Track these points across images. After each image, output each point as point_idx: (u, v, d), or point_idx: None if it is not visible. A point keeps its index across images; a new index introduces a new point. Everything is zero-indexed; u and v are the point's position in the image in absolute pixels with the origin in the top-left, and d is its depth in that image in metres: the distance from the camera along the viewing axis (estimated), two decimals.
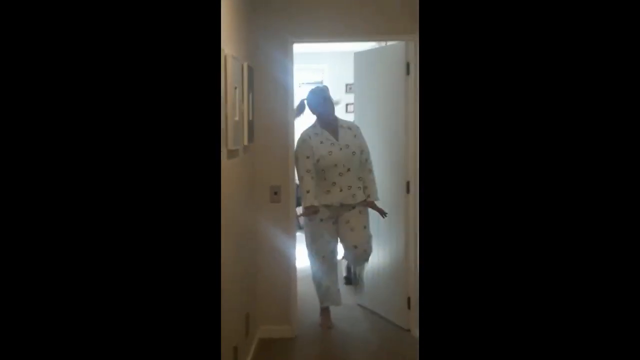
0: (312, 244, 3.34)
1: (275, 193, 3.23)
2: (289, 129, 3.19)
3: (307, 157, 3.17)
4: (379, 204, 3.36)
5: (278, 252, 3.15)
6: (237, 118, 2.32)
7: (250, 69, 2.69)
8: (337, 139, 3.23)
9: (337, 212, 3.27)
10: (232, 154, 2.26)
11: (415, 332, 3.20)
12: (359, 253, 3.30)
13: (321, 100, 3.26)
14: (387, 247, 3.40)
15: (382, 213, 3.30)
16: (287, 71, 3.14)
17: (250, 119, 2.74)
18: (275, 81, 3.14)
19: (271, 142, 3.15)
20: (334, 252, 3.39)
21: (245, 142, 2.59)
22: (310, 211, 3.18)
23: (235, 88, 2.28)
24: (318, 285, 3.38)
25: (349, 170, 3.21)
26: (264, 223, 3.15)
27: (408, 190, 3.19)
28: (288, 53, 3.11)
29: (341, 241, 3.35)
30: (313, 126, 3.28)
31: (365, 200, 3.32)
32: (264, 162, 3.07)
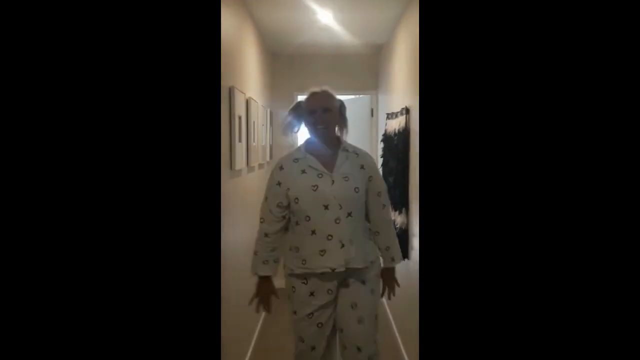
0: (298, 340, 1.76)
1: None
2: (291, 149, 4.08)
3: (266, 199, 1.74)
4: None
5: None
6: (263, 144, 3.18)
7: (271, 113, 3.58)
8: (330, 169, 1.67)
9: (339, 283, 1.71)
10: (260, 166, 3.10)
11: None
12: None
13: (306, 112, 1.71)
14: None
15: (392, 288, 1.86)
16: None
17: (271, 143, 3.63)
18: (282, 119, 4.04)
19: None
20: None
21: (267, 159, 3.47)
22: (263, 292, 1.75)
23: (263, 125, 3.14)
24: None
25: (349, 215, 1.65)
26: None
27: None
28: (293, 100, 3.95)
29: (339, 334, 1.78)
30: (297, 149, 1.77)
31: (380, 266, 1.82)
32: None
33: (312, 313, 1.72)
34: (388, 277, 1.87)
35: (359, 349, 1.71)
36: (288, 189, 1.69)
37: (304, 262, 1.68)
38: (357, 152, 1.78)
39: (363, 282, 1.74)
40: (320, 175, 1.68)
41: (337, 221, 1.65)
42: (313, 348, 1.76)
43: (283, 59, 4.04)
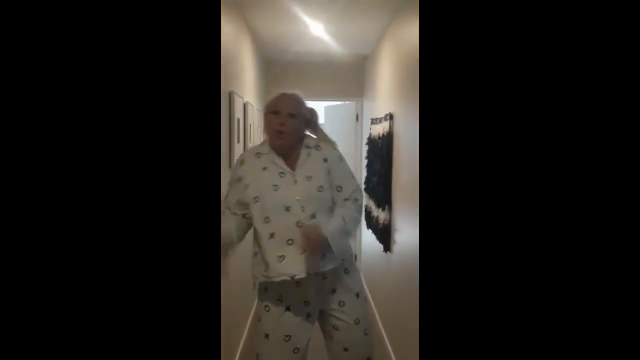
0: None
1: None
2: None
3: (225, 197, 1.54)
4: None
5: None
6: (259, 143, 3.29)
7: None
8: (292, 167, 1.49)
9: (318, 296, 1.50)
10: None
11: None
12: None
13: (270, 112, 1.52)
14: None
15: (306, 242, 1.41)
16: None
17: None
18: None
19: None
20: None
21: None
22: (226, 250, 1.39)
23: (258, 127, 3.27)
24: None
25: (313, 217, 1.44)
26: None
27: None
28: None
29: (328, 341, 1.58)
30: (262, 143, 1.60)
31: (357, 266, 1.60)
32: None
33: (289, 336, 1.45)
34: (311, 232, 1.42)
35: (346, 349, 1.53)
36: (247, 185, 1.47)
37: (265, 268, 1.44)
38: (319, 146, 1.55)
39: (357, 295, 1.53)
40: (282, 174, 1.47)
41: (299, 224, 1.42)
42: None
43: (277, 66, 4.19)
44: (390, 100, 2.95)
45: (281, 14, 2.83)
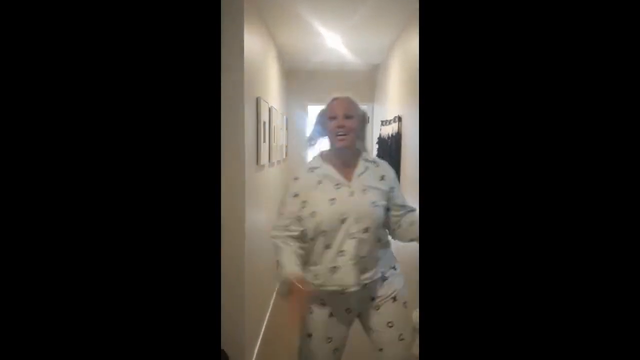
0: None
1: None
2: (301, 149, 4.35)
3: (281, 215, 1.39)
4: None
5: None
6: (281, 143, 3.39)
7: (286, 119, 3.85)
8: (349, 178, 1.37)
9: (358, 304, 1.41)
10: (278, 162, 3.36)
11: None
12: None
13: (327, 118, 1.38)
14: None
15: None
16: (304, 118, 4.34)
17: (286, 144, 3.90)
18: (296, 124, 4.29)
19: (294, 156, 4.26)
20: None
21: (284, 156, 3.76)
22: (303, 284, 1.24)
23: (281, 129, 3.34)
24: None
25: (366, 230, 1.33)
26: None
27: None
28: (305, 109, 4.26)
29: (378, 353, 1.44)
30: (314, 158, 1.45)
31: (402, 278, 1.46)
32: (291, 166, 4.19)
33: (331, 338, 1.41)
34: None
35: (380, 350, 1.41)
36: (305, 202, 1.36)
37: (316, 277, 1.37)
38: (376, 162, 1.45)
39: (394, 299, 1.41)
40: (338, 186, 1.36)
41: (352, 237, 1.33)
42: None
43: (297, 74, 4.35)
44: (399, 104, 3.04)
45: (301, 28, 2.95)
